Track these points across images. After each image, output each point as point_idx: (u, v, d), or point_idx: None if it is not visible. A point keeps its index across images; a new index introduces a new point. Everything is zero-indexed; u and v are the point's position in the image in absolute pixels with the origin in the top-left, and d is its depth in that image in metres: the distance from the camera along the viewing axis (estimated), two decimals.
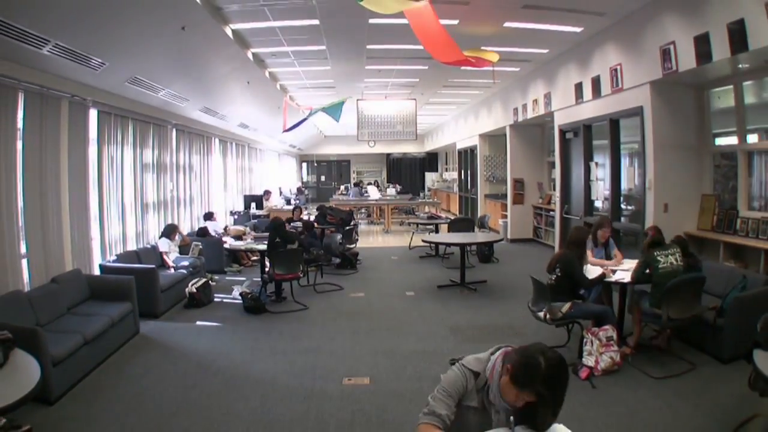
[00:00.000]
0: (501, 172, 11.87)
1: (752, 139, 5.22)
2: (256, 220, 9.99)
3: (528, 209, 10.33)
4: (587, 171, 7.35)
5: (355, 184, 18.11)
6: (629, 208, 6.62)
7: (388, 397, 3.40)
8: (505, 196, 10.88)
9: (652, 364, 3.82)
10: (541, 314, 3.95)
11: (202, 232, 7.85)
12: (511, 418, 1.60)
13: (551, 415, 1.58)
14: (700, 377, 3.61)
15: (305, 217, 9.41)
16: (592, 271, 4.27)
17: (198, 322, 5.19)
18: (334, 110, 10.04)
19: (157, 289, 5.23)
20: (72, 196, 4.95)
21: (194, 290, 5.67)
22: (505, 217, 10.62)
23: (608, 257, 4.77)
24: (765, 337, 2.59)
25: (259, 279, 6.41)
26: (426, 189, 19.01)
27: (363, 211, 15.27)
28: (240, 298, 5.69)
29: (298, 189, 17.64)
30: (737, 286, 4.00)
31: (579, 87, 7.13)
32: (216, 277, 7.01)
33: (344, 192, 16.90)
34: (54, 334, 3.56)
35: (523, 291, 6.25)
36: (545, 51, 7.46)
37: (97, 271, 5.26)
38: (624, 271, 4.31)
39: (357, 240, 8.72)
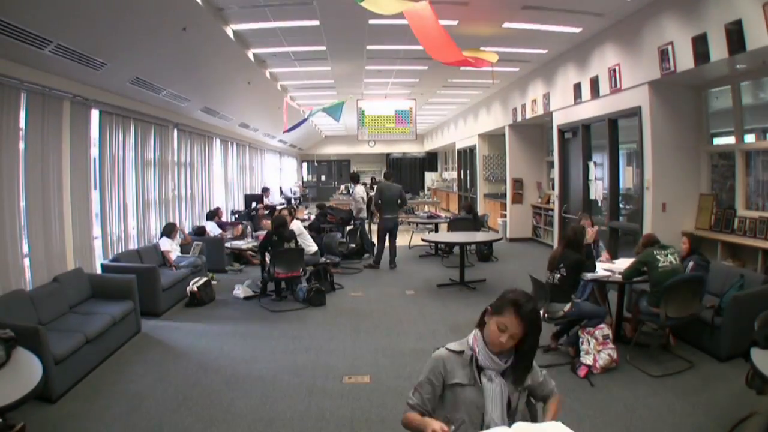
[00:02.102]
0: (500, 171, 11.90)
1: (749, 139, 5.25)
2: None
3: (527, 208, 10.36)
4: (586, 171, 7.38)
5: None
6: (627, 207, 6.65)
7: (388, 395, 3.43)
8: (504, 195, 10.91)
9: (650, 362, 3.85)
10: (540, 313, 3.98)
11: (200, 231, 7.87)
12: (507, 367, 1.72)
13: (534, 341, 1.71)
14: (698, 375, 3.64)
15: (305, 217, 9.44)
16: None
17: (199, 321, 5.21)
18: (334, 110, 10.07)
19: (159, 288, 5.25)
20: (74, 195, 4.97)
21: (195, 289, 5.69)
22: (505, 216, 10.64)
23: (597, 256, 4.82)
24: (762, 336, 2.61)
25: (259, 278, 6.43)
26: (426, 188, 19.04)
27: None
28: (301, 293, 5.82)
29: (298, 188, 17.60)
30: (735, 285, 4.02)
31: (578, 87, 7.16)
32: (217, 275, 7.03)
33: (344, 192, 16.91)
34: (56, 332, 3.59)
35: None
36: (544, 51, 7.49)
37: (98, 270, 5.28)
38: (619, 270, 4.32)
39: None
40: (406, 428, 1.76)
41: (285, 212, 6.81)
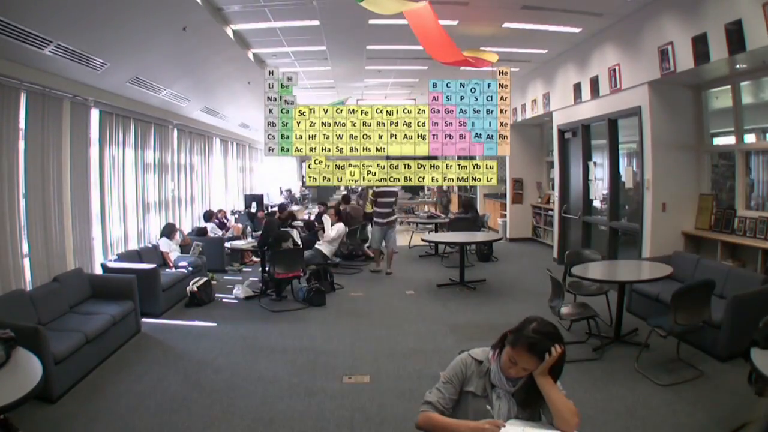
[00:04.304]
0: (500, 171, 11.87)
1: (749, 138, 5.24)
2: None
3: (527, 208, 10.36)
4: (586, 171, 7.38)
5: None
6: (627, 207, 6.64)
7: (388, 395, 3.43)
8: (504, 195, 10.91)
9: (657, 369, 3.74)
10: (563, 310, 4.02)
11: (201, 232, 7.87)
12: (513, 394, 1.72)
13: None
14: (699, 375, 3.63)
15: (305, 217, 9.46)
16: None
17: (199, 321, 5.20)
18: None
19: (159, 288, 5.25)
20: (74, 195, 4.97)
21: (195, 289, 5.69)
22: (505, 216, 10.64)
23: None
24: (763, 336, 2.61)
25: (258, 278, 6.44)
26: (426, 188, 19.01)
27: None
28: (301, 293, 5.84)
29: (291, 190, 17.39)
30: None
31: (578, 87, 7.15)
32: (216, 275, 7.03)
33: (344, 192, 16.91)
34: (56, 332, 3.58)
35: (521, 290, 6.29)
36: (544, 51, 7.49)
37: (98, 271, 5.28)
38: None
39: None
40: (424, 429, 1.74)
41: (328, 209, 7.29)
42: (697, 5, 4.55)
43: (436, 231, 9.76)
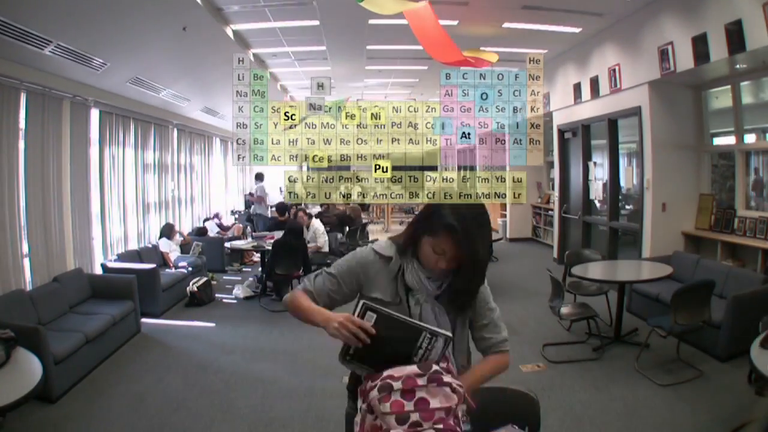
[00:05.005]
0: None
1: (749, 138, 5.24)
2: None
3: (527, 208, 10.35)
4: (586, 171, 7.38)
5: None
6: (627, 207, 6.65)
7: None
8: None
9: (657, 369, 3.74)
10: (563, 310, 4.03)
11: (201, 232, 7.87)
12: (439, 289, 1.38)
13: (475, 273, 1.34)
14: (699, 376, 3.63)
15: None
16: None
17: (199, 321, 5.20)
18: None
19: (158, 289, 5.24)
20: (74, 195, 4.97)
21: (195, 289, 5.69)
22: (504, 216, 10.64)
23: None
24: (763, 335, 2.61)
25: (255, 278, 6.43)
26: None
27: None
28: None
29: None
30: None
31: (578, 87, 7.15)
32: (216, 275, 7.02)
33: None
34: (56, 332, 3.59)
35: (521, 290, 6.29)
36: (544, 51, 7.47)
37: (98, 271, 5.28)
38: None
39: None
40: (289, 306, 1.48)
41: (301, 213, 7.03)
42: (697, 5, 4.55)
43: None
